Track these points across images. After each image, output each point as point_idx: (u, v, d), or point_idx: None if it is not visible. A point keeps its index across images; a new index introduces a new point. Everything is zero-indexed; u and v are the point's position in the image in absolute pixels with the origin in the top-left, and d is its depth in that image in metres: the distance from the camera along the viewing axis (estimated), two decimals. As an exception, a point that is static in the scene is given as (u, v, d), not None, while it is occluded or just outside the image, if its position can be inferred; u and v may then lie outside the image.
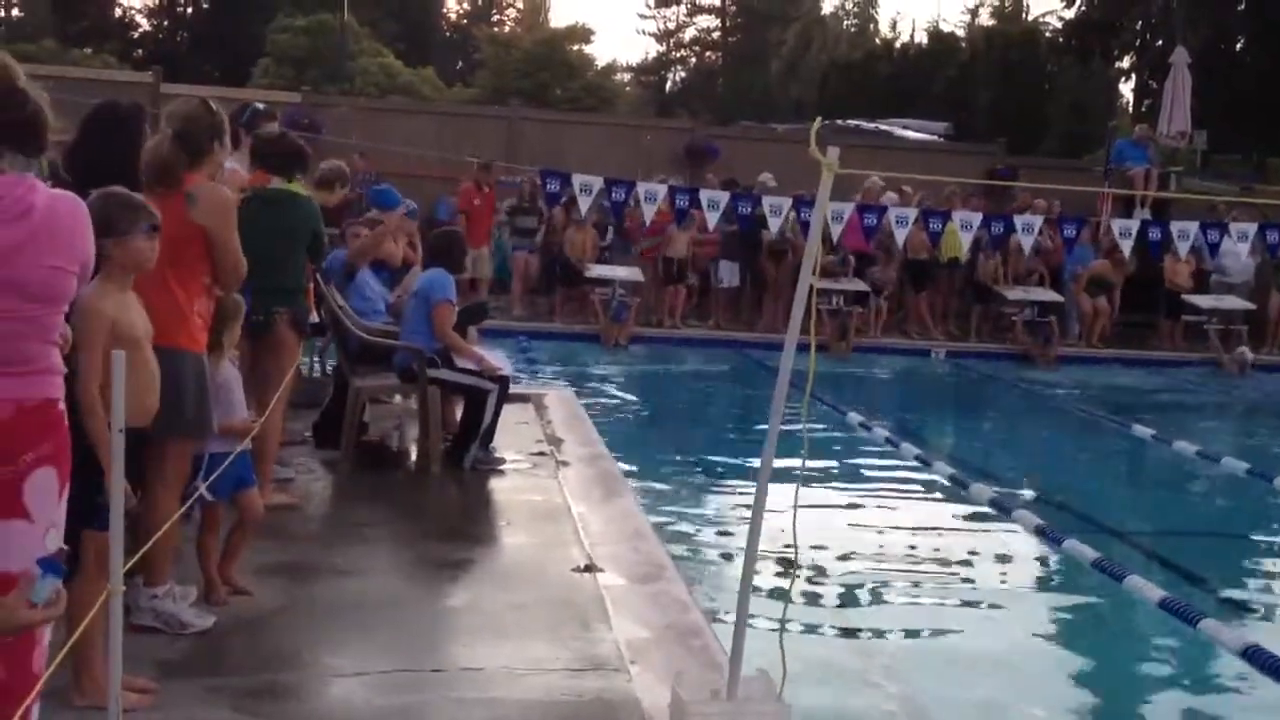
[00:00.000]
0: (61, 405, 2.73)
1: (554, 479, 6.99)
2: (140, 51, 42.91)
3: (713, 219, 13.69)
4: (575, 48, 40.90)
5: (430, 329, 7.09)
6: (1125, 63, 33.33)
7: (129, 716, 3.11)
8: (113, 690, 2.87)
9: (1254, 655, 5.05)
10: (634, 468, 8.27)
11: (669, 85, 55.52)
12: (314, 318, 6.86)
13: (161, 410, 3.66)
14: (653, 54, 56.11)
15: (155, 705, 3.66)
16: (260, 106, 6.94)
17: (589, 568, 5.33)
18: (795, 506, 3.74)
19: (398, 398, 8.20)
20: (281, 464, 6.42)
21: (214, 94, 12.34)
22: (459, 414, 7.65)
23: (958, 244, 15.48)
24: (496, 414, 7.14)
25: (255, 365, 5.68)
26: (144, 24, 47.39)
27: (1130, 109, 32.25)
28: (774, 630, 3.50)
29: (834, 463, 8.94)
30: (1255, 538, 8.06)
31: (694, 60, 56.21)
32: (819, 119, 3.77)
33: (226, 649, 4.24)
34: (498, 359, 7.78)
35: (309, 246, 6.08)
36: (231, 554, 4.72)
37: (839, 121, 22.87)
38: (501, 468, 7.13)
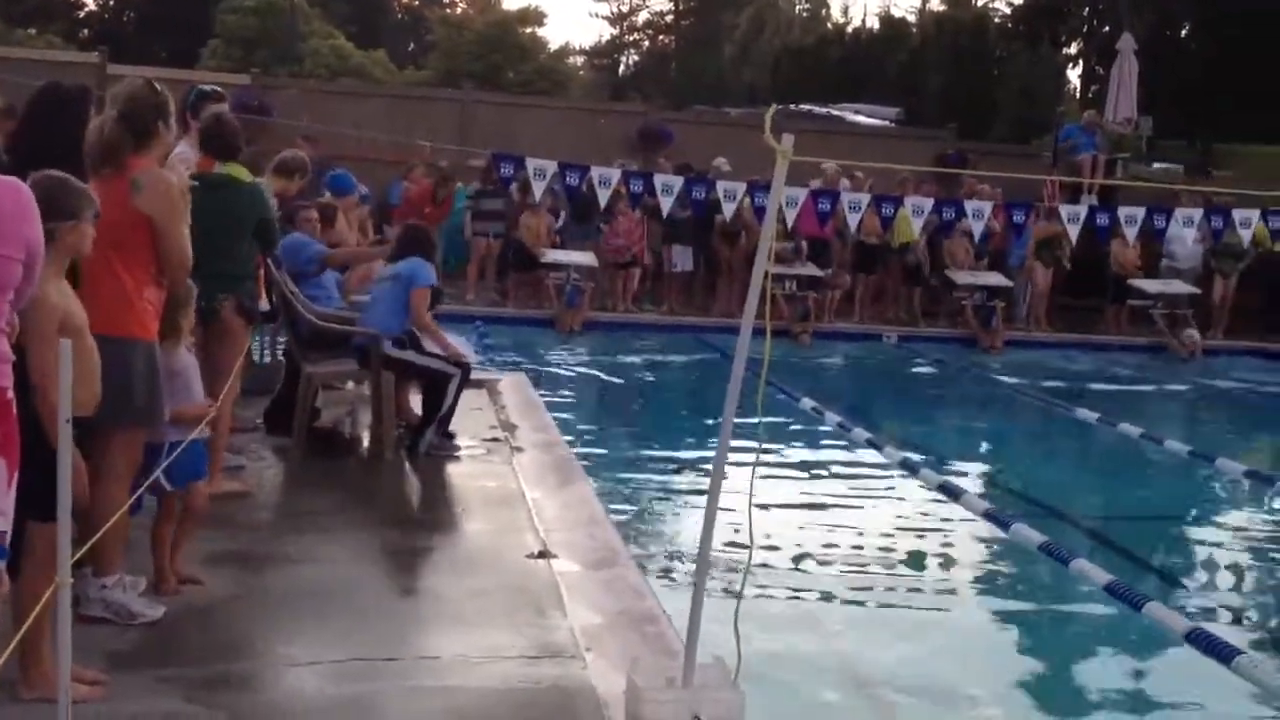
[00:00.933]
0: (10, 393, 2.70)
1: (508, 465, 6.98)
2: (86, 32, 42.26)
3: (667, 204, 13.69)
4: (528, 30, 40.78)
5: (404, 313, 7.11)
6: (1073, 49, 33.67)
7: (79, 709, 3.08)
8: (62, 682, 2.84)
9: (1197, 638, 5.13)
10: (589, 454, 8.29)
11: (622, 69, 55.43)
12: (264, 304, 6.80)
13: (110, 399, 3.61)
14: (606, 37, 56.02)
15: (106, 697, 3.63)
16: (207, 89, 6.85)
17: (543, 554, 5.33)
18: (750, 493, 3.76)
19: (350, 384, 8.16)
20: (232, 451, 6.37)
21: (161, 75, 12.14)
22: (414, 400, 7.65)
23: (909, 229, 15.58)
24: (456, 400, 7.14)
25: (204, 353, 5.61)
26: (90, 3, 46.67)
27: (1078, 95, 32.58)
28: (728, 617, 3.52)
29: (787, 448, 8.99)
30: (1199, 520, 8.20)
31: (647, 44, 56.17)
32: (773, 106, 3.76)
33: (178, 639, 4.20)
34: (463, 346, 7.78)
35: (257, 233, 6.02)
36: (176, 545, 4.66)
37: (791, 106, 22.90)
38: (457, 454, 7.12)
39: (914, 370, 13.92)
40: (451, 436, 7.23)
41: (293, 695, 3.87)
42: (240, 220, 5.89)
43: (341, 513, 6.00)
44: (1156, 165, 18.95)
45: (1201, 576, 6.95)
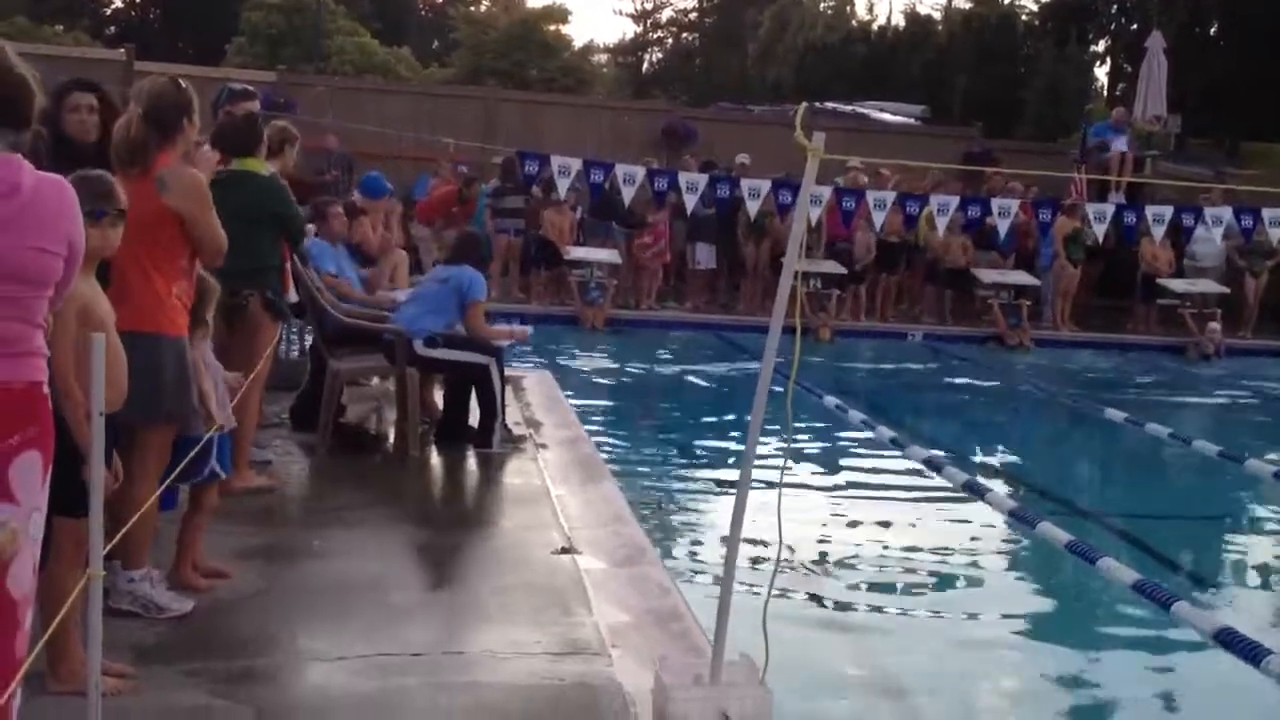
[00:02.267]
0: (47, 389, 2.71)
1: (533, 462, 6.98)
2: (113, 29, 42.48)
3: (691, 202, 13.67)
4: (552, 28, 40.73)
5: (446, 314, 7.18)
6: (1100, 46, 33.47)
7: (107, 702, 3.08)
8: (92, 676, 2.85)
9: (1226, 638, 5.09)
10: (613, 451, 8.29)
11: (646, 66, 55.37)
12: (292, 295, 6.82)
13: (141, 396, 3.62)
14: (630, 35, 55.93)
15: (133, 690, 3.64)
16: (237, 87, 6.87)
17: (568, 550, 5.33)
18: (779, 490, 3.75)
19: (375, 380, 8.18)
20: (259, 446, 6.39)
21: (187, 73, 12.21)
22: (438, 397, 7.67)
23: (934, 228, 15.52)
24: (504, 387, 7.18)
25: (230, 349, 5.63)
26: (116, 0, 46.91)
27: (1105, 93, 32.41)
28: (755, 614, 3.50)
29: (812, 446, 8.97)
30: (1227, 520, 8.13)
31: (671, 41, 56.07)
32: (804, 105, 3.75)
33: (205, 633, 4.21)
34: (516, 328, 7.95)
35: (283, 226, 6.03)
36: (189, 541, 4.66)
37: (816, 104, 22.85)
38: (522, 445, 7.21)
39: (939, 369, 13.86)
40: (509, 428, 7.28)
41: (319, 690, 3.88)
42: (259, 213, 5.89)
43: (367, 508, 6.01)
44: (1191, 168, 18.83)
45: (1230, 576, 6.90)
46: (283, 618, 4.44)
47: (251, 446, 6.03)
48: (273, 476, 6.22)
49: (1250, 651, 4.94)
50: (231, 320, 5.69)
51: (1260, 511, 8.43)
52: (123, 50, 18.88)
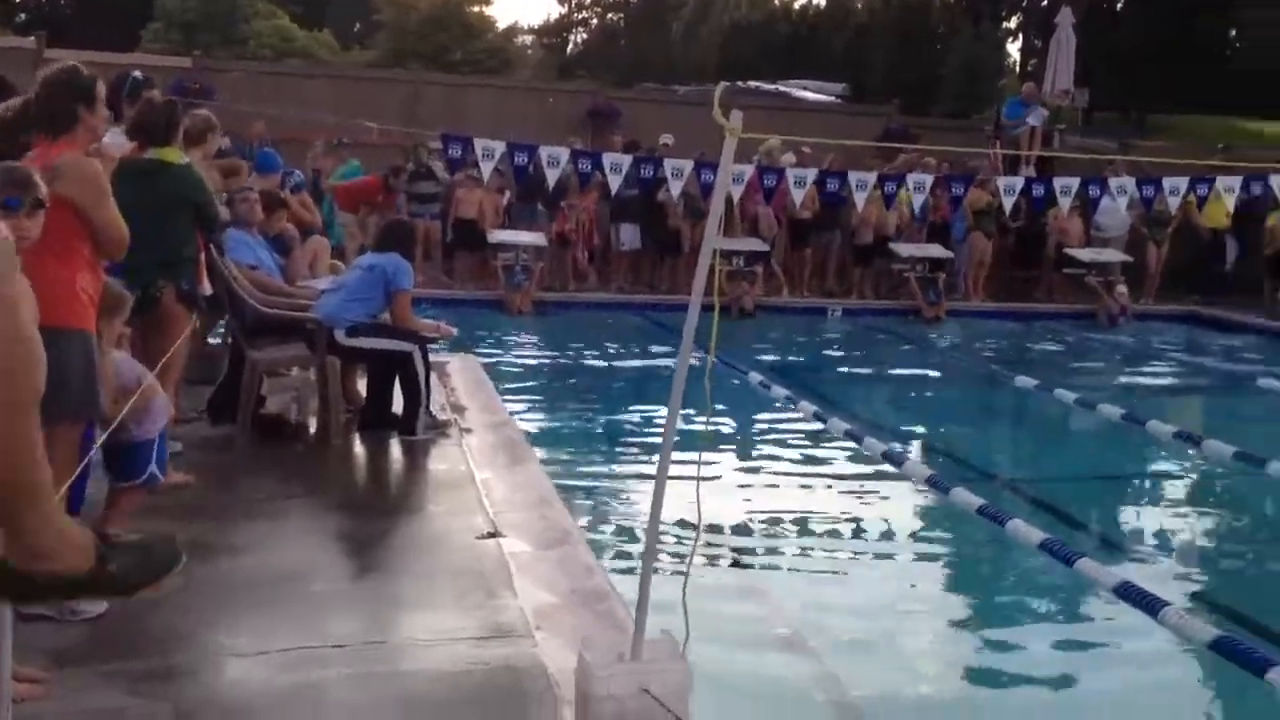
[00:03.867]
0: None
1: (458, 447, 6.96)
2: (23, 16, 41.46)
3: (615, 182, 13.68)
4: (475, 9, 40.46)
5: (370, 303, 7.13)
6: (1013, 23, 33.96)
7: (19, 709, 3.04)
8: (3, 683, 2.81)
9: (1126, 591, 5.29)
10: (539, 434, 8.30)
11: (570, 47, 55.18)
12: (207, 288, 6.73)
13: (46, 393, 3.55)
14: (554, 15, 55.74)
15: (47, 695, 3.57)
16: (139, 76, 6.76)
17: (493, 535, 5.33)
18: (699, 467, 3.79)
19: (295, 370, 8.10)
20: (172, 438, 6.29)
21: (99, 60, 11.97)
22: (362, 385, 7.62)
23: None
24: (428, 373, 7.15)
25: (145, 343, 5.55)
26: (27, -13, 45.76)
27: (1017, 69, 32.89)
28: (679, 591, 3.54)
29: (735, 423, 9.04)
30: (1129, 480, 8.42)
31: (595, 22, 55.93)
32: (722, 83, 3.77)
33: (120, 633, 4.14)
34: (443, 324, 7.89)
35: (197, 216, 5.95)
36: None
37: (739, 83, 22.94)
38: (448, 432, 7.17)
39: (858, 342, 14.04)
40: (433, 415, 7.25)
41: (239, 686, 3.85)
42: (171, 203, 5.82)
43: (288, 500, 5.96)
44: (1097, 140, 19.21)
45: (1133, 534, 7.15)
46: (202, 614, 4.39)
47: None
48: (189, 472, 6.13)
49: (1149, 603, 5.13)
50: (144, 314, 5.60)
51: (1160, 471, 8.70)
52: (33, 38, 18.44)
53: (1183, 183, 13.46)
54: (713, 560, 5.97)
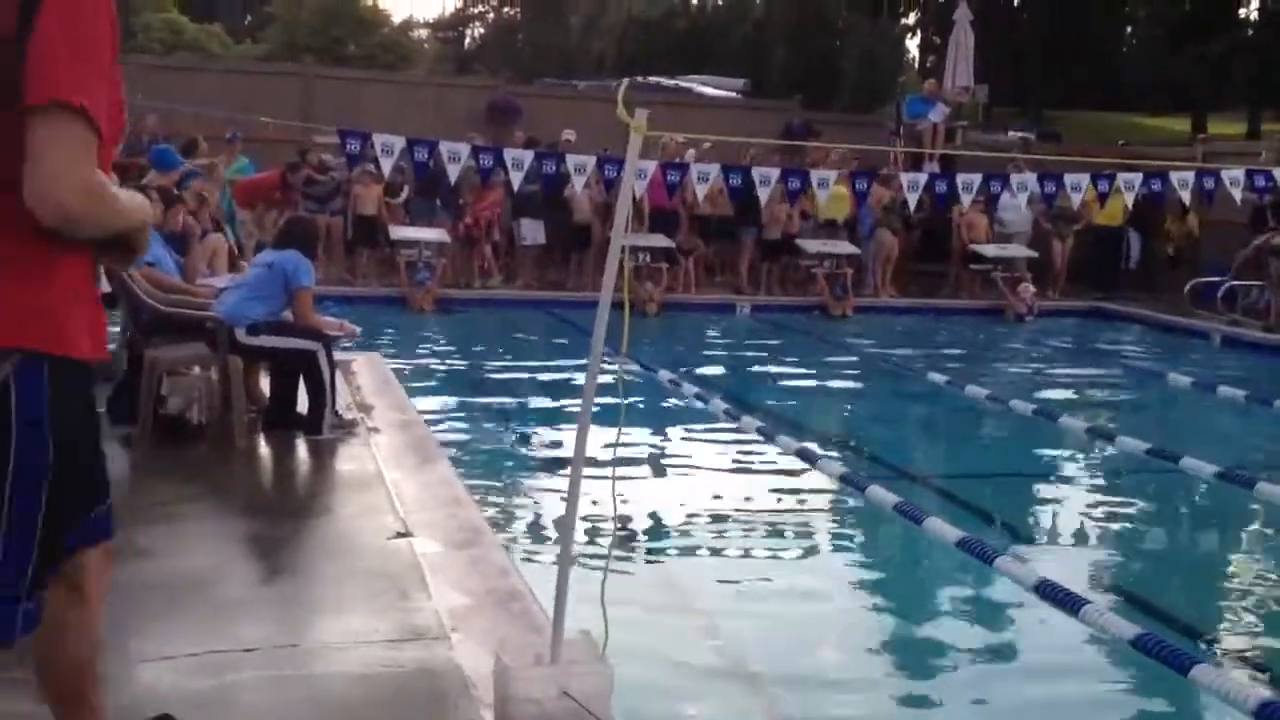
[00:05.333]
0: None
1: (366, 447, 6.86)
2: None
3: (517, 179, 13.60)
4: (369, 2, 39.94)
5: (271, 301, 6.99)
6: (911, 19, 34.47)
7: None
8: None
9: (1045, 589, 5.34)
10: (448, 433, 8.22)
11: (468, 42, 54.78)
12: (104, 286, 6.53)
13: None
14: (450, 9, 55.30)
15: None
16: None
17: (405, 535, 5.26)
18: (614, 467, 3.77)
19: (196, 369, 7.91)
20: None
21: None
22: (265, 385, 7.48)
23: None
24: (333, 372, 7.03)
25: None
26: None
27: (917, 65, 33.44)
28: (595, 591, 3.52)
29: (646, 422, 9.04)
30: (1046, 476, 8.51)
31: (492, 16, 55.58)
32: (625, 80, 3.76)
33: (26, 641, 3.99)
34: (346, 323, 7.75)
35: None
36: None
37: (639, 79, 23.00)
38: (356, 430, 7.05)
39: (768, 340, 14.13)
40: (339, 414, 7.12)
41: (147, 691, 3.73)
42: None
43: (192, 502, 5.81)
44: (1013, 134, 19.59)
45: (1049, 530, 7.23)
46: (107, 620, 4.23)
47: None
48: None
49: (1068, 601, 5.19)
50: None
51: (1073, 466, 8.85)
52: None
53: (1084, 179, 13.78)
54: (629, 560, 5.95)
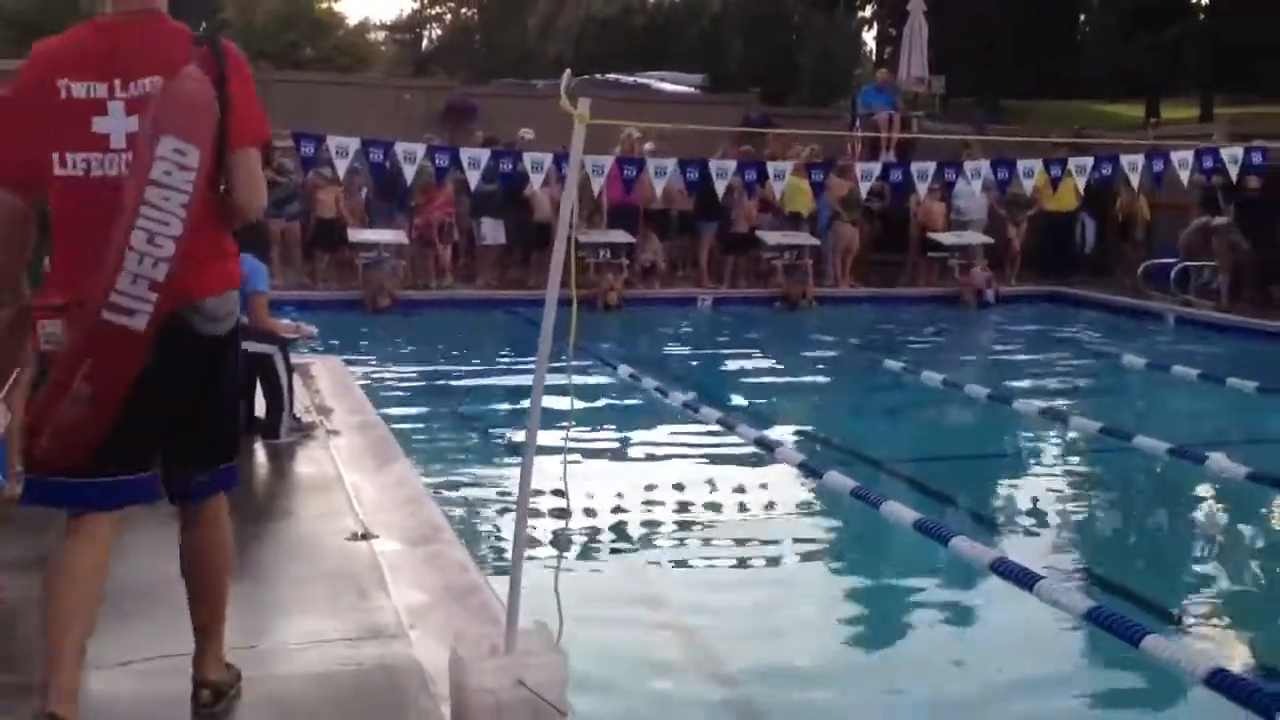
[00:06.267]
0: None
1: (324, 449, 6.85)
2: None
3: (474, 178, 13.58)
4: (324, 5, 39.75)
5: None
6: (867, 11, 34.62)
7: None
8: None
9: (1000, 567, 5.42)
10: (408, 434, 8.21)
11: (425, 43, 54.58)
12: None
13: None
14: (407, 11, 55.07)
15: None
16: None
17: (364, 535, 5.27)
18: (565, 458, 3.80)
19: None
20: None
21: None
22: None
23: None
24: (291, 376, 7.03)
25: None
26: None
27: (873, 57, 33.59)
28: (551, 582, 3.54)
29: (607, 417, 9.08)
30: (1000, 458, 8.62)
31: (449, 17, 55.39)
32: (567, 71, 3.80)
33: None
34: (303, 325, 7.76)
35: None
36: None
37: (598, 76, 23.01)
38: (314, 434, 7.05)
39: (728, 332, 14.20)
40: (297, 418, 7.11)
41: (105, 696, 3.74)
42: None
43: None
44: (954, 126, 19.71)
45: (1005, 510, 7.32)
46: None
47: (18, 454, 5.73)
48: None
49: (1023, 578, 5.28)
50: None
51: (1028, 449, 8.97)
52: None
53: (1036, 164, 13.92)
54: (589, 550, 5.99)
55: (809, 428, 9.23)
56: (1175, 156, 12.82)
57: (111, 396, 3.14)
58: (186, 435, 3.43)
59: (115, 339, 3.09)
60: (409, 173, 13.31)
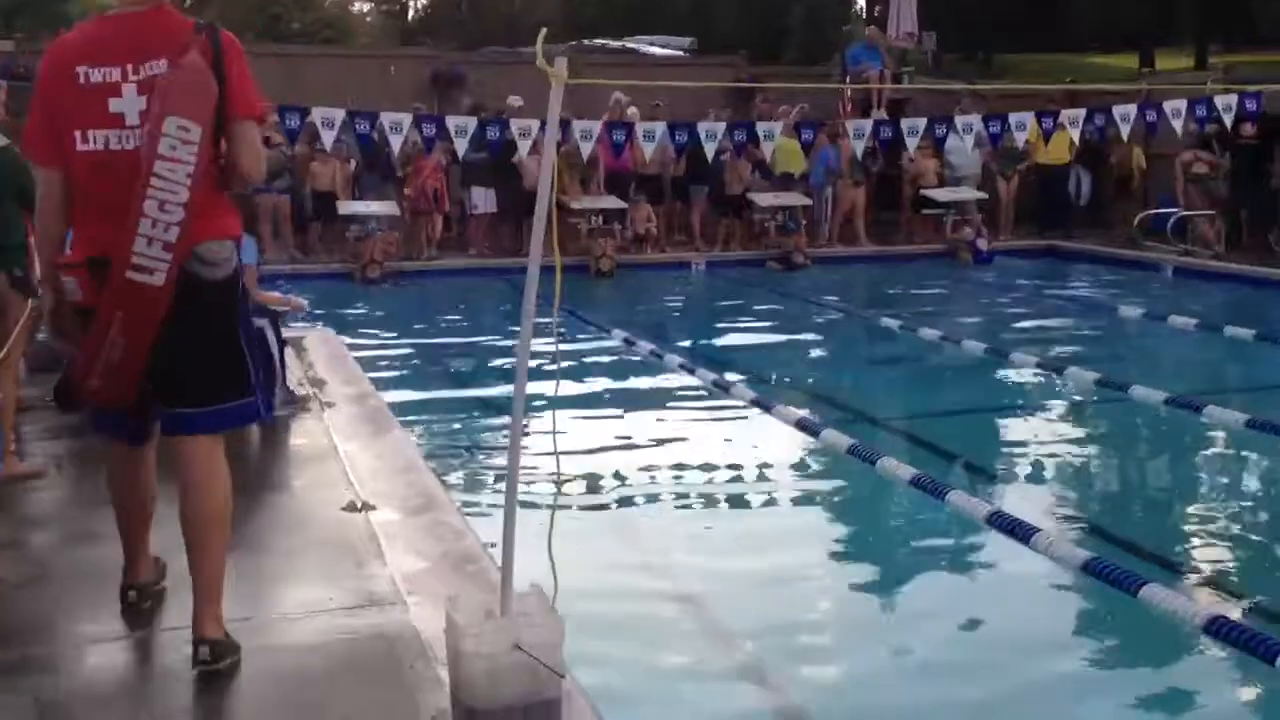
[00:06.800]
0: None
1: (319, 421, 6.82)
2: None
3: (461, 146, 13.51)
4: (309, -22, 39.43)
5: None
6: (856, -33, 34.28)
7: None
8: None
9: (996, 520, 5.42)
10: (403, 403, 8.19)
11: (411, 13, 54.18)
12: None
13: None
14: (392, -18, 54.58)
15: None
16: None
17: (361, 505, 5.25)
18: (554, 420, 3.79)
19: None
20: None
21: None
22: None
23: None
24: (283, 349, 6.99)
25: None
26: None
27: (863, 15, 33.32)
28: (546, 545, 3.52)
29: (602, 380, 9.06)
30: (998, 413, 8.60)
31: (435, -13, 54.90)
32: (543, 30, 3.74)
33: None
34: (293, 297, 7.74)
35: (20, 199, 5.70)
36: None
37: (586, 41, 22.86)
38: (308, 408, 7.00)
39: (722, 295, 14.16)
40: (290, 390, 7.08)
41: (104, 672, 3.73)
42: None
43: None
44: (946, 82, 19.57)
45: (1001, 464, 7.31)
46: (59, 603, 4.24)
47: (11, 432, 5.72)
48: (37, 461, 5.91)
49: (1020, 531, 5.28)
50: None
51: (1025, 402, 8.95)
52: None
53: (1029, 118, 13.83)
54: (586, 512, 5.99)
55: (806, 386, 9.22)
56: (1168, 106, 12.74)
57: (140, 343, 3.55)
58: (170, 368, 3.66)
59: (139, 294, 3.47)
60: (395, 143, 13.22)
